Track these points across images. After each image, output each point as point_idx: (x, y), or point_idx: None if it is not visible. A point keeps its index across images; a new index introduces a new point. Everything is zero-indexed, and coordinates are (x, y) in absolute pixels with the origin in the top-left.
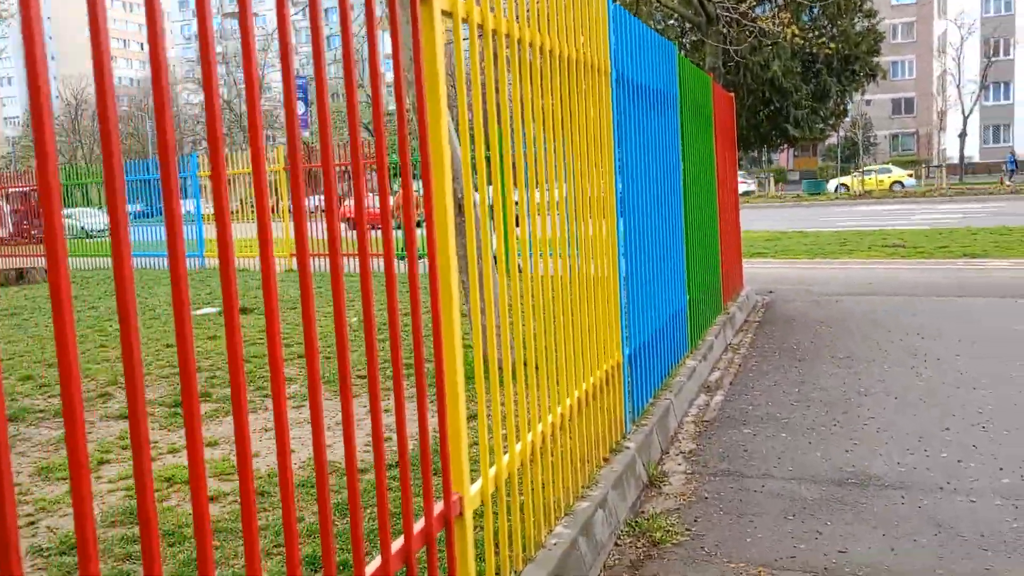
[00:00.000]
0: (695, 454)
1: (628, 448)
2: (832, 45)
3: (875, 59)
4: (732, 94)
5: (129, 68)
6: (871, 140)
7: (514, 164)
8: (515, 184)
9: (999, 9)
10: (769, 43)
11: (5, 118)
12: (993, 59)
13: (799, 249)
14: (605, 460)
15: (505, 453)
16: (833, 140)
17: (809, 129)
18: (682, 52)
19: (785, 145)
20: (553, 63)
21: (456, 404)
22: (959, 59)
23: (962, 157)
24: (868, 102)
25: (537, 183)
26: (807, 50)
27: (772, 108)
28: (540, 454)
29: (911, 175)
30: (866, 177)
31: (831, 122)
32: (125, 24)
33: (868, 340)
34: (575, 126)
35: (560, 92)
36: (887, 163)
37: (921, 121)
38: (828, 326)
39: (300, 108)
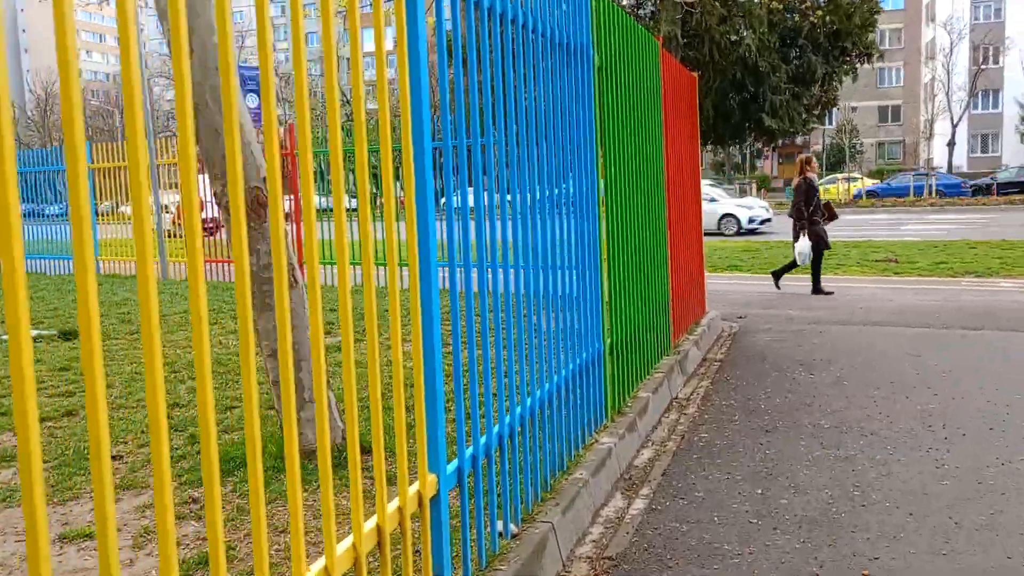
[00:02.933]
0: None
1: None
2: (818, 13)
3: (869, 35)
4: (695, 75)
5: (105, 63)
6: (857, 148)
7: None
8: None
9: (988, 15)
10: (740, 13)
11: None
12: (983, 67)
13: (779, 262)
14: None
15: None
16: (819, 147)
17: (789, 120)
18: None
19: (761, 143)
20: None
21: None
22: (948, 66)
23: (950, 166)
24: (854, 109)
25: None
26: (787, 23)
27: (745, 94)
28: None
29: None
30: (830, 186)
31: (815, 112)
32: (102, 19)
33: (863, 396)
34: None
35: None
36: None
37: (908, 129)
38: (810, 371)
39: (252, 102)
